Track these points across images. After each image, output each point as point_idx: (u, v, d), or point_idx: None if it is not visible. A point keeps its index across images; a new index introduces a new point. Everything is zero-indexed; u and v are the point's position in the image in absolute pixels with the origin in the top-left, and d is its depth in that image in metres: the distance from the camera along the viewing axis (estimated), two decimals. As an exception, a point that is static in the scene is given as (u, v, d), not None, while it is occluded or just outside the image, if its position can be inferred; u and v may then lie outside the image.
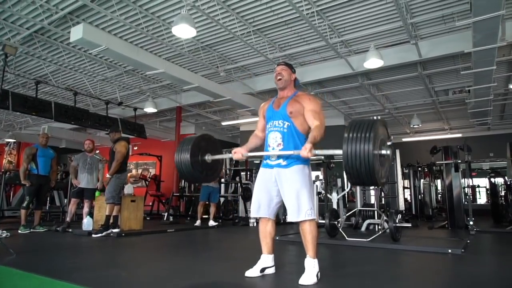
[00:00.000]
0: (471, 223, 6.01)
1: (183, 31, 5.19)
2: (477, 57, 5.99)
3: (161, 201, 10.69)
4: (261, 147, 2.73)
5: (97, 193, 5.96)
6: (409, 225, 4.34)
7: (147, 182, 11.97)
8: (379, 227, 4.44)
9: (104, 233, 5.01)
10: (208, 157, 2.80)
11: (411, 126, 12.12)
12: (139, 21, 6.16)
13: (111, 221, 5.21)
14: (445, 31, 6.67)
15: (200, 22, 6.27)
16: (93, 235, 4.96)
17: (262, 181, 2.58)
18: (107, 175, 5.24)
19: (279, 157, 2.49)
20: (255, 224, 7.49)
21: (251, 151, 2.71)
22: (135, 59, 6.20)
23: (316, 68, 8.27)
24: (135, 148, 13.78)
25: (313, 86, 9.34)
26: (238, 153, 2.63)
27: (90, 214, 5.82)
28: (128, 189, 6.00)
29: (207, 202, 7.22)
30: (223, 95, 8.48)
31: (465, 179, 6.52)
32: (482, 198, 13.98)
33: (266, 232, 2.57)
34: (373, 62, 6.48)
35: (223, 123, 12.81)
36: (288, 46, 7.40)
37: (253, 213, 2.60)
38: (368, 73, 8.57)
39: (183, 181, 10.59)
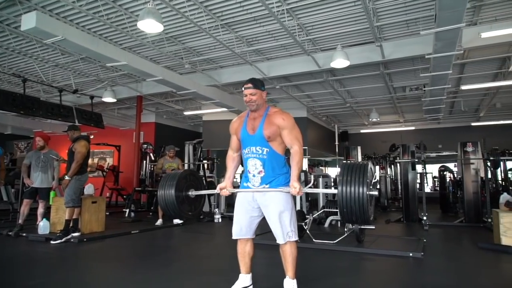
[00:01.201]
0: (424, 218, 6.41)
1: (150, 26, 4.92)
2: (436, 62, 6.29)
3: (122, 195, 10.32)
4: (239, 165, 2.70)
5: (52, 193, 5.60)
6: (373, 227, 4.53)
7: (104, 173, 11.47)
8: (345, 229, 4.61)
9: (64, 239, 4.74)
10: (192, 193, 2.76)
11: (370, 119, 12.60)
12: (98, 8, 5.75)
13: (70, 225, 4.95)
14: (407, 34, 6.91)
15: (166, 13, 5.98)
16: (52, 242, 4.68)
17: (242, 202, 2.55)
18: (66, 177, 4.92)
19: (261, 183, 2.46)
20: (220, 220, 7.49)
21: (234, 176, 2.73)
22: (95, 51, 5.80)
23: (283, 63, 8.27)
24: (91, 137, 13.08)
25: (279, 80, 9.35)
26: (225, 191, 2.57)
27: (46, 216, 5.48)
28: (89, 189, 5.70)
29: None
30: (188, 87, 8.23)
31: (422, 177, 6.92)
32: (429, 184, 14.84)
33: (245, 253, 2.56)
34: (340, 62, 6.59)
35: (186, 113, 12.51)
36: (256, 41, 7.30)
37: (234, 235, 2.56)
38: (333, 70, 8.70)
39: (144, 172, 10.26)
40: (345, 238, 4.53)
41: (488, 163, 6.41)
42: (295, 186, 2.32)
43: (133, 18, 6.11)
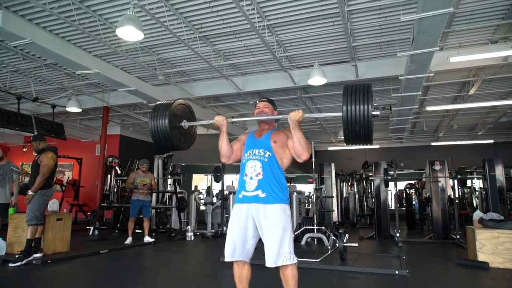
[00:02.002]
0: (397, 235, 6.55)
1: (129, 33, 4.70)
2: (407, 83, 6.57)
3: (84, 211, 9.66)
4: (228, 157, 2.60)
5: (11, 210, 5.09)
6: (356, 245, 4.51)
7: (63, 188, 10.73)
8: (329, 247, 4.55)
9: (24, 261, 4.27)
10: (185, 123, 2.70)
11: (338, 137, 12.89)
12: (71, 12, 5.43)
13: (32, 245, 4.48)
14: (379, 56, 7.19)
15: (143, 22, 5.78)
16: (11, 265, 4.19)
17: (237, 219, 2.39)
18: (30, 192, 4.48)
19: (257, 187, 2.34)
20: (192, 238, 7.18)
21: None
22: (65, 57, 5.46)
23: (258, 79, 8.27)
24: (50, 148, 12.27)
25: (252, 95, 9.33)
26: (220, 116, 2.58)
27: (1, 235, 4.94)
28: (53, 205, 5.24)
29: (140, 216, 6.67)
30: (160, 99, 7.93)
31: (393, 195, 7.09)
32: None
33: (242, 277, 2.39)
34: (317, 79, 6.68)
35: (154, 126, 12.09)
36: (233, 55, 7.25)
37: (227, 257, 2.36)
38: (306, 87, 8.84)
39: (108, 187, 9.70)
40: (328, 256, 4.47)
41: (455, 181, 6.70)
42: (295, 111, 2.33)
43: (107, 25, 5.84)
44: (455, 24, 5.88)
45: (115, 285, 3.61)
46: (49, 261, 4.42)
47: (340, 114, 2.25)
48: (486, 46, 6.54)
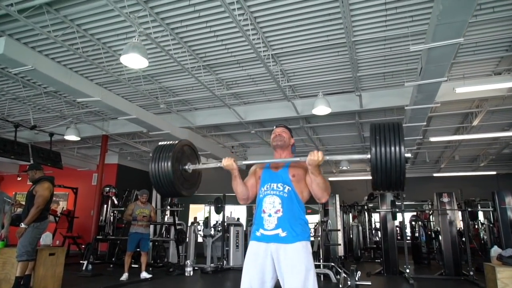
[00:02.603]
0: (407, 271, 6.23)
1: (133, 61, 4.62)
2: (413, 114, 6.49)
3: (77, 244, 9.25)
4: (246, 199, 2.38)
5: (0, 244, 4.78)
6: (370, 283, 4.23)
7: (57, 218, 10.34)
8: (340, 286, 4.26)
9: (11, 301, 3.95)
10: (189, 167, 2.43)
11: (340, 167, 12.71)
12: (74, 40, 5.39)
13: (22, 282, 4.16)
14: (383, 86, 7.17)
15: (147, 51, 5.75)
16: (-4, 305, 3.88)
17: (253, 258, 2.16)
18: (22, 225, 4.21)
19: (277, 225, 2.14)
20: (191, 274, 6.81)
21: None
22: (67, 84, 5.35)
23: (260, 108, 8.20)
24: (45, 177, 11.97)
25: (254, 125, 9.24)
26: (229, 159, 2.28)
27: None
28: (47, 238, 4.94)
29: (138, 249, 6.33)
30: (161, 128, 7.84)
31: (402, 228, 6.83)
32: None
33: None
34: (321, 109, 6.60)
35: (153, 155, 11.89)
36: (236, 84, 7.22)
37: None
38: (308, 117, 8.76)
39: (103, 218, 9.33)
40: (340, 296, 4.17)
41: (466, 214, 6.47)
42: (314, 151, 2.09)
43: (110, 53, 5.81)
44: (460, 55, 5.89)
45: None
46: (38, 301, 4.08)
47: (365, 156, 2.06)
48: (489, 77, 6.54)
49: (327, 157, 2.12)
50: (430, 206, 11.78)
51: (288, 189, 2.20)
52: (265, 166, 2.37)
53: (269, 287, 2.14)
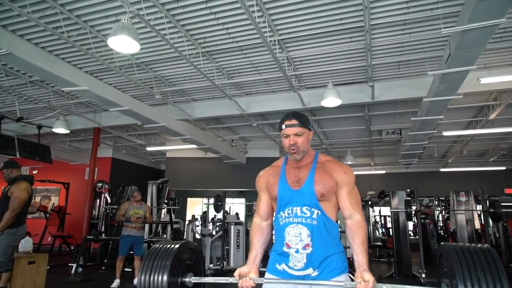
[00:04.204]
0: (423, 275, 5.77)
1: (123, 44, 4.05)
2: (431, 106, 5.97)
3: (68, 243, 8.74)
4: (270, 242, 1.83)
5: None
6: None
7: (47, 215, 9.84)
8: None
9: (-19, 321, 3.44)
10: (190, 279, 1.78)
11: (345, 162, 12.21)
12: (58, 23, 4.79)
13: (-5, 297, 3.65)
14: (396, 76, 6.63)
15: (140, 36, 5.16)
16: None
17: None
18: (-5, 231, 3.68)
19: (307, 264, 1.61)
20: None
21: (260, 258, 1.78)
22: (49, 71, 4.78)
23: (263, 100, 7.64)
24: (35, 172, 11.45)
25: (256, 117, 8.69)
26: (248, 281, 1.63)
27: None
28: (26, 245, 4.40)
29: (131, 252, 5.83)
30: (157, 121, 7.29)
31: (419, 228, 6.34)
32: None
33: None
34: (331, 100, 6.05)
35: (148, 149, 11.37)
36: (238, 74, 6.65)
37: None
38: (314, 110, 8.23)
39: (96, 213, 8.82)
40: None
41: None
42: (366, 278, 1.50)
43: (99, 37, 5.22)
44: (486, 41, 5.34)
45: None
46: (13, 320, 3.57)
47: None
48: (512, 67, 6.01)
49: (384, 287, 1.50)
50: (436, 202, 11.36)
51: (318, 213, 1.64)
52: (280, 175, 1.75)
53: None
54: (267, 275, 1.72)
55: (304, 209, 1.65)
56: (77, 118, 8.77)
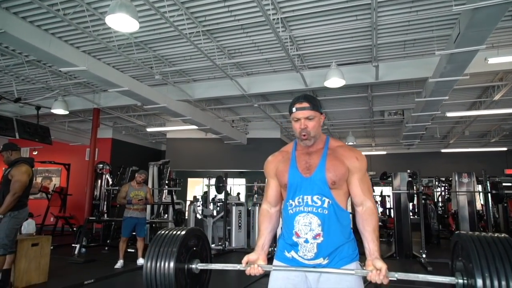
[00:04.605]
0: (424, 256, 5.83)
1: (121, 23, 3.91)
2: (437, 87, 5.86)
3: (70, 224, 8.79)
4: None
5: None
6: (396, 276, 3.75)
7: (49, 196, 9.85)
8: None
9: (-13, 302, 3.47)
10: (197, 266, 1.74)
11: (346, 143, 12.16)
12: (54, 0, 4.62)
13: (-1, 279, 3.67)
14: (401, 56, 6.49)
15: (139, 14, 4.99)
16: (-31, 308, 3.39)
17: (282, 285, 1.62)
18: (-3, 214, 3.66)
19: (317, 254, 1.57)
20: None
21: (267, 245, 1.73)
22: (45, 51, 4.65)
23: (264, 80, 7.50)
24: (35, 153, 11.43)
25: (257, 98, 8.57)
26: (255, 268, 1.60)
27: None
28: (29, 227, 4.40)
29: (133, 234, 5.86)
30: (157, 101, 7.18)
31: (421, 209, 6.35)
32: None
33: None
34: (334, 81, 5.93)
35: (149, 129, 11.28)
36: (239, 53, 6.49)
37: None
38: (316, 90, 8.10)
39: (98, 194, 8.83)
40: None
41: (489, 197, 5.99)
42: (378, 266, 1.47)
43: (96, 15, 5.05)
44: (495, 20, 5.18)
45: None
46: (19, 301, 3.60)
47: (455, 280, 1.45)
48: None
49: (396, 275, 1.46)
50: (437, 182, 11.40)
51: (329, 202, 1.58)
52: (290, 162, 1.68)
53: None
54: (275, 262, 1.69)
55: (315, 198, 1.59)
56: (76, 98, 8.65)
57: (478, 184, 8.13)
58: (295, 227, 1.59)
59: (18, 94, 8.01)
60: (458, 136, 12.34)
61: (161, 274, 1.63)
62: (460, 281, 1.40)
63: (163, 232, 1.78)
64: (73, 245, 6.43)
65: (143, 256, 5.72)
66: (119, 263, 5.43)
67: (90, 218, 7.19)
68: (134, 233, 5.84)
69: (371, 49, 5.84)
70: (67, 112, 8.03)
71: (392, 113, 10.00)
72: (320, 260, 1.57)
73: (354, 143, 11.65)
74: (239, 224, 7.99)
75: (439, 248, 8.31)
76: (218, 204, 9.41)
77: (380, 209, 12.65)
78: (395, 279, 1.45)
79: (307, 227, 1.57)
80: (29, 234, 4.42)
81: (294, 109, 1.64)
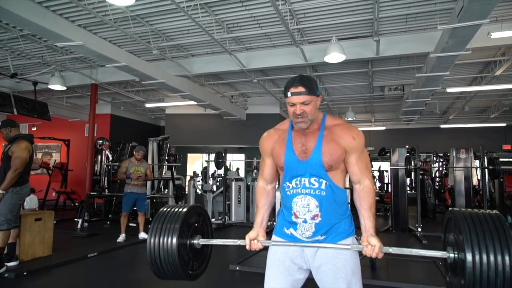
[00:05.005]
0: (419, 229, 5.97)
1: (117, -5, 3.82)
2: (438, 62, 5.79)
3: (72, 199, 8.91)
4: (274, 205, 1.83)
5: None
6: (390, 250, 3.87)
7: (50, 171, 9.93)
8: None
9: (-6, 274, 3.57)
10: (199, 241, 1.79)
11: (346, 118, 12.15)
12: (46, -28, 4.50)
13: (5, 252, 3.76)
14: (403, 30, 6.37)
15: (134, -14, 4.86)
16: (-23, 280, 3.49)
17: (282, 260, 1.67)
18: (0, 190, 3.71)
19: (315, 233, 1.61)
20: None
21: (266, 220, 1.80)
22: (40, 25, 4.56)
23: (264, 55, 7.40)
24: (34, 129, 11.42)
25: (256, 73, 8.48)
26: (256, 243, 1.66)
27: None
28: (31, 202, 4.47)
29: (134, 209, 5.96)
30: (155, 77, 7.11)
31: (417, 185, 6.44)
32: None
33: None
34: (334, 56, 5.86)
35: (148, 105, 11.23)
36: (238, 27, 6.36)
37: None
38: (316, 65, 8.01)
39: (98, 169, 8.90)
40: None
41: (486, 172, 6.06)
42: (372, 243, 1.51)
43: (91, -12, 4.92)
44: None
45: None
46: (25, 273, 3.70)
47: (446, 254, 1.47)
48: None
49: (390, 250, 1.51)
50: (435, 158, 11.47)
51: (326, 183, 1.59)
52: (286, 145, 1.66)
53: (300, 284, 1.70)
54: (274, 237, 1.74)
55: (312, 180, 1.60)
56: (73, 74, 8.55)
57: (476, 159, 8.23)
58: (293, 208, 1.62)
59: (14, 70, 7.91)
60: (458, 112, 12.31)
61: (164, 250, 1.68)
62: (451, 255, 1.44)
63: (165, 209, 1.82)
64: (75, 219, 6.55)
65: (144, 230, 5.85)
66: (121, 237, 5.56)
67: (91, 193, 7.27)
68: (135, 208, 5.94)
69: (372, 23, 5.74)
70: (64, 88, 7.96)
71: (392, 88, 9.93)
72: (317, 237, 1.61)
73: (354, 118, 11.64)
74: (239, 199, 8.12)
75: (435, 222, 8.48)
76: (218, 179, 9.52)
77: (378, 184, 12.81)
78: (390, 251, 1.50)
79: (305, 209, 1.60)
80: (32, 209, 4.50)
81: (289, 94, 1.58)
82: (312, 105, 1.58)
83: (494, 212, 1.40)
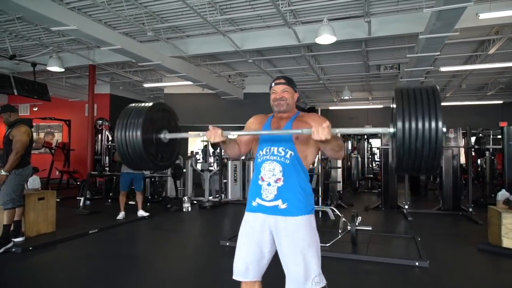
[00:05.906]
0: (406, 207, 6.22)
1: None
2: (427, 43, 5.86)
3: (74, 178, 9.21)
4: (237, 156, 2.08)
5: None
6: (370, 228, 4.14)
7: (52, 151, 10.21)
8: (339, 231, 4.16)
9: (2, 249, 3.86)
10: (165, 135, 2.02)
11: (342, 97, 12.25)
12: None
13: (11, 228, 4.05)
14: (394, 11, 6.39)
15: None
16: (-14, 254, 3.79)
17: (250, 232, 1.92)
18: (3, 172, 3.95)
19: (277, 196, 1.85)
20: (189, 209, 6.82)
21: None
22: (33, 10, 4.65)
23: (258, 36, 7.45)
24: (35, 109, 11.62)
25: (252, 54, 8.55)
26: (216, 131, 1.81)
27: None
28: (34, 182, 4.73)
29: (132, 188, 6.23)
30: (150, 59, 7.22)
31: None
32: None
33: (252, 298, 1.96)
34: (325, 38, 5.94)
35: (146, 85, 11.34)
36: (231, 9, 6.41)
37: (237, 276, 1.94)
38: (310, 45, 8.05)
39: (99, 148, 9.17)
40: (339, 241, 4.09)
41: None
42: (324, 124, 1.63)
43: (84, -29, 4.98)
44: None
45: (98, 283, 3.23)
46: (30, 248, 4.00)
47: (387, 129, 1.67)
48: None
49: (337, 130, 1.70)
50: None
51: (291, 154, 1.88)
52: (266, 123, 2.02)
53: (266, 260, 1.95)
54: (246, 214, 1.98)
55: (280, 149, 1.89)
56: (70, 55, 8.65)
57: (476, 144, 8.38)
58: (261, 172, 1.90)
59: (12, 51, 8.02)
60: (455, 90, 12.35)
61: (131, 144, 1.85)
62: (392, 130, 1.64)
63: (131, 106, 2.00)
64: (77, 198, 6.84)
65: (142, 208, 6.15)
66: (121, 215, 5.85)
67: (93, 172, 7.54)
68: (132, 187, 6.21)
69: (363, 4, 5.77)
70: (62, 70, 8.09)
71: (388, 67, 9.99)
72: (279, 202, 1.84)
73: (350, 97, 11.75)
74: (235, 178, 8.38)
75: (426, 199, 8.76)
76: (217, 157, 9.75)
77: (377, 162, 13.04)
78: (337, 132, 1.69)
79: (271, 172, 1.88)
80: (35, 189, 4.77)
81: (273, 84, 2.00)
82: (290, 94, 1.98)
83: (430, 86, 1.61)
